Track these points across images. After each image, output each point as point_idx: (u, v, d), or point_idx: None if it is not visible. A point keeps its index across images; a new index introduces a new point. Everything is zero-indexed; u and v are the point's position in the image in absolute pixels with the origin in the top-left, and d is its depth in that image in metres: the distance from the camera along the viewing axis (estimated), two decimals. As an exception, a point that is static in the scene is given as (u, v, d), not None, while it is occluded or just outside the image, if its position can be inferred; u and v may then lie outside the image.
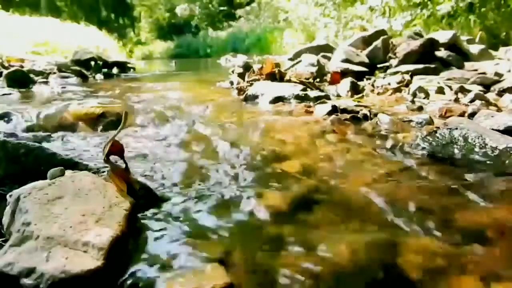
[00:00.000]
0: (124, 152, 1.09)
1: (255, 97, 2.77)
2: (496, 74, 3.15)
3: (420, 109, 2.39)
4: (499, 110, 2.26)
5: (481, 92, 2.60)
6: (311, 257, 0.83)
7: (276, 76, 3.21)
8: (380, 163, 1.45)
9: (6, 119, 1.99)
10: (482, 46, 4.51)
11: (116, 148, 1.07)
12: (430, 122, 1.96)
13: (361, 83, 3.28)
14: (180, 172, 1.34)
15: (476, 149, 1.48)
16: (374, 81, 3.42)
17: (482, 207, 1.08)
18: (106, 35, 14.99)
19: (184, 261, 0.81)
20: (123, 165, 1.08)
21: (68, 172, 1.03)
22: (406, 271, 0.79)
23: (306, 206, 1.08)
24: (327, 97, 2.71)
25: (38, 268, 0.71)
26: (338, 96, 2.99)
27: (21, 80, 3.79)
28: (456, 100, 2.54)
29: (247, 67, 3.73)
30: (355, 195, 1.16)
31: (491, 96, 2.63)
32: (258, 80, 3.27)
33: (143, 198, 1.06)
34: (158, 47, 22.26)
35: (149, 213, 1.02)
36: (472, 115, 2.02)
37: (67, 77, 4.67)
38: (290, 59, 5.29)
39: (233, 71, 4.16)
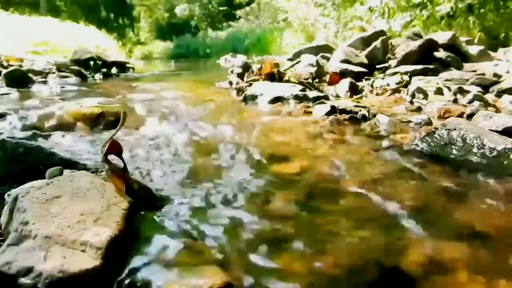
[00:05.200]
0: (123, 152, 1.09)
1: (254, 97, 2.77)
2: (495, 75, 3.16)
3: (418, 109, 2.40)
4: (497, 111, 2.27)
5: (480, 93, 2.60)
6: (310, 257, 0.83)
7: (275, 76, 3.21)
8: (379, 163, 1.45)
9: (5, 118, 1.99)
10: (481, 47, 4.52)
11: (115, 148, 1.07)
12: (428, 122, 1.97)
13: (360, 84, 3.29)
14: (179, 172, 1.34)
15: (474, 150, 1.48)
16: (373, 81, 3.42)
17: (481, 207, 1.09)
18: (105, 35, 14.93)
19: (182, 260, 0.81)
20: (122, 165, 1.08)
21: (67, 172, 1.03)
22: (405, 271, 0.79)
23: (304, 207, 1.08)
24: (326, 97, 2.71)
25: (36, 267, 0.70)
26: (337, 96, 2.99)
27: (20, 79, 3.77)
28: (455, 101, 2.54)
29: (246, 67, 3.72)
30: (353, 196, 1.16)
31: (489, 97, 2.64)
32: (257, 80, 3.26)
33: (141, 198, 1.06)
34: (157, 47, 22.19)
35: (147, 212, 1.02)
36: (470, 116, 2.02)
37: (66, 77, 4.66)
38: (290, 60, 5.28)
39: (232, 71, 4.16)
